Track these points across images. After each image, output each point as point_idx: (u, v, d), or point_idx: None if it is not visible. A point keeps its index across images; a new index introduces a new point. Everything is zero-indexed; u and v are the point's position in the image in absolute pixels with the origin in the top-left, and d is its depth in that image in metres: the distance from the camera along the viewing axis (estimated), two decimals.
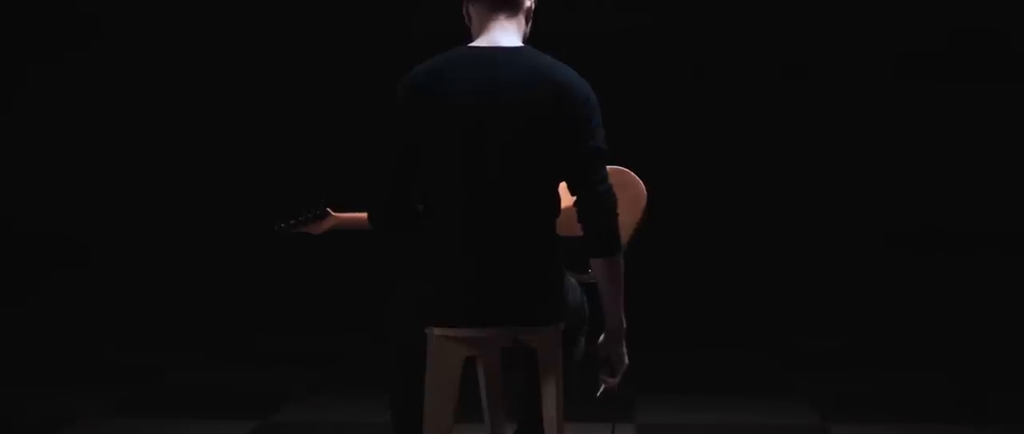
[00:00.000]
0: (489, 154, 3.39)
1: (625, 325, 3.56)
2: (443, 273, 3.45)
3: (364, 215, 3.77)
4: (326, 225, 4.21)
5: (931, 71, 8.77)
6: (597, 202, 3.45)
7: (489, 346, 3.54)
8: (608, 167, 3.51)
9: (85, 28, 8.98)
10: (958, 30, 8.70)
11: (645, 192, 3.92)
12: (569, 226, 3.64)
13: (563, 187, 3.52)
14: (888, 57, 8.81)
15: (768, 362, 7.25)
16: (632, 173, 3.99)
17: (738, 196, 8.91)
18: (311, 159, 8.84)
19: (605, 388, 3.63)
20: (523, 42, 3.53)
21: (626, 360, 3.60)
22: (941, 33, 8.71)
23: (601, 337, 3.59)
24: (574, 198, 3.49)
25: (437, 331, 3.46)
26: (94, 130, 9.05)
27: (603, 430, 5.31)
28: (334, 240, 4.47)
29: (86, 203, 9.08)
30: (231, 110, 9.01)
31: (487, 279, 3.42)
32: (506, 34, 3.50)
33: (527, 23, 3.57)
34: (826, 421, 5.70)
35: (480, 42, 3.51)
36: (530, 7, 3.57)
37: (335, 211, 4.23)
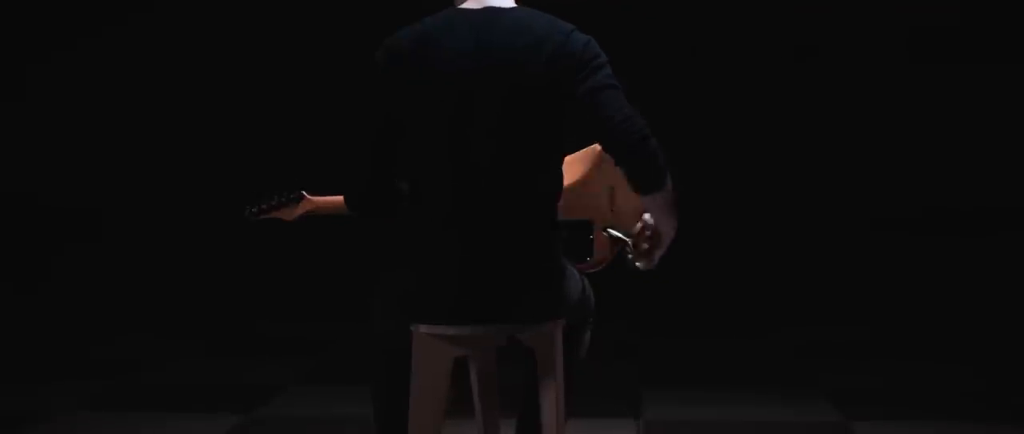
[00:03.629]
0: (479, 127, 3.03)
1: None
2: (429, 264, 3.09)
3: (342, 198, 3.44)
4: (300, 210, 3.88)
5: (946, 50, 8.60)
6: (616, 134, 3.00)
7: (480, 345, 3.18)
8: None
9: (94, 15, 8.81)
10: (973, 7, 8.46)
11: None
12: (572, 208, 3.30)
13: (566, 164, 3.15)
14: (901, 35, 8.62)
15: (783, 354, 6.97)
16: None
17: (750, 180, 8.79)
18: (310, 149, 8.61)
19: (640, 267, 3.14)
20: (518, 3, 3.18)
21: (675, 229, 3.09)
22: (956, 10, 8.48)
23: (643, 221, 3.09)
24: (577, 176, 3.13)
25: (422, 329, 3.11)
26: (85, 119, 8.94)
27: (610, 428, 5.07)
28: (330, 225, 4.15)
29: (72, 189, 8.93)
30: (228, 98, 8.85)
31: (477, 271, 3.06)
32: None
33: None
34: (848, 418, 5.38)
35: (470, 4, 3.15)
36: None
37: (312, 195, 3.89)
